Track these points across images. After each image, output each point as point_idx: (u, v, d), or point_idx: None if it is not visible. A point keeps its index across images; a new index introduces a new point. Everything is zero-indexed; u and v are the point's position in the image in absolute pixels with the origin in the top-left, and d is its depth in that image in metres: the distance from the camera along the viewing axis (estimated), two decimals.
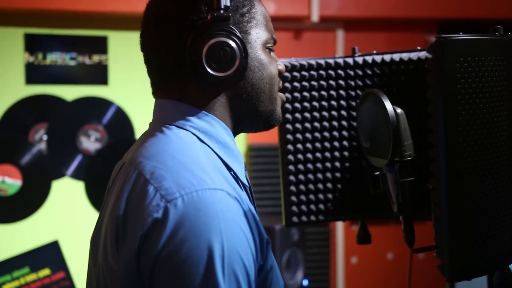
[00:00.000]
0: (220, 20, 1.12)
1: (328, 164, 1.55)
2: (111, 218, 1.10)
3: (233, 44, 1.13)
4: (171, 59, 1.17)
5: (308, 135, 1.54)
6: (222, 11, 1.12)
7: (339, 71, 1.53)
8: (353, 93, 1.54)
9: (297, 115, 1.53)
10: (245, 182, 1.22)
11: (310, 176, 1.54)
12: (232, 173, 1.17)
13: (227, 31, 1.13)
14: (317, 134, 1.54)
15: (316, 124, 1.54)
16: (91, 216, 3.35)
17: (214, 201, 1.04)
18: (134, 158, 1.14)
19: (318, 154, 1.54)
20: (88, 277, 1.23)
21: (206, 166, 1.10)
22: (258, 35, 1.20)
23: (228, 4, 1.13)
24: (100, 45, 3.45)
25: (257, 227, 1.09)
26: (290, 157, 1.53)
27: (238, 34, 1.14)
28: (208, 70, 1.13)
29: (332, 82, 1.53)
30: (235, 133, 1.24)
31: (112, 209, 1.11)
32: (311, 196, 1.54)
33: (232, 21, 1.16)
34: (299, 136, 1.53)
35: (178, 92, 1.18)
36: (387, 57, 1.50)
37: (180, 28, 1.15)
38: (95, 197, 3.42)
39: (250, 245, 1.06)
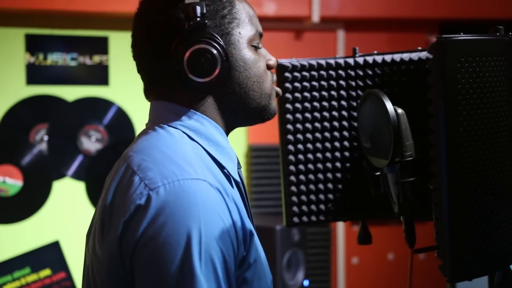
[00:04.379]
0: (198, 27, 1.15)
1: (329, 165, 1.55)
2: (100, 209, 1.15)
3: (212, 49, 1.16)
4: (158, 67, 1.21)
5: (309, 135, 1.54)
6: (198, 19, 1.15)
7: (340, 72, 1.53)
8: (354, 93, 1.54)
9: (298, 115, 1.52)
10: (238, 179, 1.24)
11: (311, 176, 1.54)
12: (226, 171, 1.20)
13: (205, 37, 1.16)
14: (318, 135, 1.54)
15: (317, 124, 1.54)
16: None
17: (195, 190, 1.07)
18: (125, 153, 1.19)
19: (319, 155, 1.54)
20: (83, 271, 1.25)
21: (192, 160, 1.13)
22: (241, 34, 1.22)
23: (204, 11, 1.15)
24: (101, 46, 3.45)
25: (240, 219, 1.12)
26: (291, 157, 1.53)
27: (217, 38, 1.17)
28: (191, 76, 1.16)
29: (333, 82, 1.53)
30: (229, 130, 1.27)
31: (102, 201, 1.16)
32: (312, 197, 1.54)
33: (213, 25, 1.19)
34: (299, 136, 1.53)
35: (168, 95, 1.22)
36: (388, 58, 1.50)
37: (163, 37, 1.19)
38: (96, 197, 3.41)
39: (230, 234, 1.09)
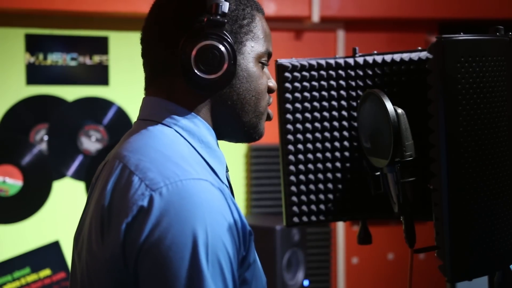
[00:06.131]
0: (215, 25, 1.16)
1: (328, 165, 1.55)
2: (96, 209, 1.13)
3: (222, 48, 1.16)
4: (165, 56, 1.20)
5: (308, 135, 1.53)
6: (218, 17, 1.15)
7: (340, 72, 1.53)
8: (353, 93, 1.54)
9: (298, 115, 1.52)
10: (226, 183, 1.23)
11: (311, 176, 1.54)
12: (214, 173, 1.19)
13: (219, 35, 1.16)
14: (317, 135, 1.54)
15: (317, 124, 1.54)
16: None
17: (198, 190, 1.06)
18: (118, 153, 1.17)
19: (319, 155, 1.54)
20: (72, 274, 1.24)
21: (190, 159, 1.13)
22: (253, 48, 1.23)
23: (226, 11, 1.16)
24: (101, 46, 3.45)
25: (239, 218, 1.12)
26: (291, 157, 1.53)
27: (230, 40, 1.17)
28: (195, 70, 1.16)
29: (332, 82, 1.53)
30: (217, 138, 1.26)
31: (97, 202, 1.13)
32: (312, 197, 1.54)
33: (229, 30, 1.20)
34: (299, 136, 1.53)
35: (167, 89, 1.22)
36: (387, 57, 1.50)
37: (178, 27, 1.19)
38: None
39: (233, 234, 1.08)
